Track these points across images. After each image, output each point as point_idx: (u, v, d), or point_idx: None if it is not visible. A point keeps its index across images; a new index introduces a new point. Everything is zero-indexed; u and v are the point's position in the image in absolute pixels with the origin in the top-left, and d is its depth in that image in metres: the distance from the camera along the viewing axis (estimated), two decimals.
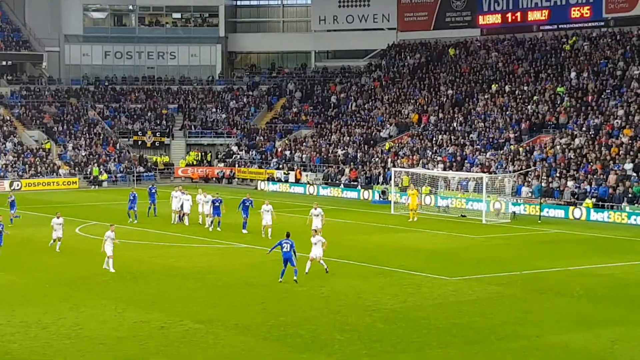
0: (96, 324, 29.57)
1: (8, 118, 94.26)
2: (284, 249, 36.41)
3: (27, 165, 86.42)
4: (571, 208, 61.15)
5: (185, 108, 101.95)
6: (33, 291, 35.10)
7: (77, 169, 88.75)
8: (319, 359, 25.58)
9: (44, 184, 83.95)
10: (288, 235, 36.96)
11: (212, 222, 52.68)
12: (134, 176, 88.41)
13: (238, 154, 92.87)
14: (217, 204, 52.42)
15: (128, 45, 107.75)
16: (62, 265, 40.68)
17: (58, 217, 44.78)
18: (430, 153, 77.11)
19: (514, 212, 61.37)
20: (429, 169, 72.43)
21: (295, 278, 36.29)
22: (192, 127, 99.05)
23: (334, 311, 31.53)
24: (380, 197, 71.45)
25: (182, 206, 55.57)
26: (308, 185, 79.76)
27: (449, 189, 68.53)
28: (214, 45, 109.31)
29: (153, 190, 60.48)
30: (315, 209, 48.42)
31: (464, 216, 61.58)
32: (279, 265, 40.62)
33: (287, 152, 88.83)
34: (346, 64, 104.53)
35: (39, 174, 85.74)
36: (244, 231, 51.02)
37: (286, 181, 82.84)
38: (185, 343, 27.23)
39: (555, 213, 61.51)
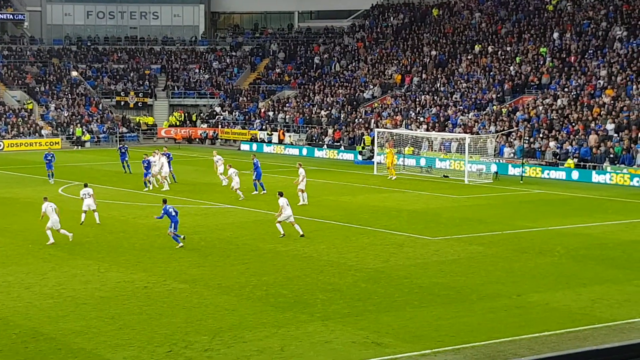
0: (79, 284, 29.64)
1: None
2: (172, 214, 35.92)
3: (9, 126, 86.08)
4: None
5: (168, 69, 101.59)
6: (15, 251, 35.11)
7: (59, 129, 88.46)
8: (302, 319, 25.72)
9: (26, 144, 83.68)
10: (165, 202, 36.82)
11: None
12: (116, 137, 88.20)
13: (221, 114, 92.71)
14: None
15: (110, 5, 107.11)
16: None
17: (86, 187, 42.65)
18: (414, 114, 77.15)
19: (497, 172, 61.50)
20: (412, 129, 72.51)
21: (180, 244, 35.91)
22: (175, 87, 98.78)
23: (316, 271, 31.68)
24: (361, 157, 71.59)
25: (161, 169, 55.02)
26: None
27: (432, 150, 68.69)
28: (197, 5, 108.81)
29: (123, 150, 61.91)
30: (299, 168, 48.51)
31: (447, 177, 61.74)
32: (262, 226, 40.83)
33: (271, 113, 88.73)
34: (329, 25, 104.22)
35: (21, 134, 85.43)
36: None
37: (270, 142, 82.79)
38: (168, 303, 27.33)
39: (557, 175, 61.03)
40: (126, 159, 61.71)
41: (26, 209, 45.71)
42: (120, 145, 62.70)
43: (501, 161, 64.13)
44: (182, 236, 35.95)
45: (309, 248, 35.82)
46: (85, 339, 23.77)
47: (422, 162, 66.24)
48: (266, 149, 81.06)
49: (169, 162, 54.31)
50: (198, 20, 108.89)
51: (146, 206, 47.07)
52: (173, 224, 35.66)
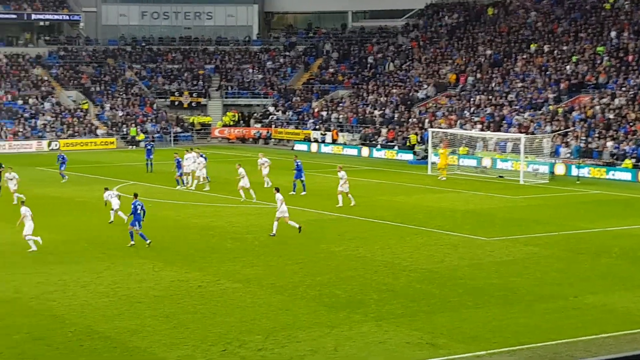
0: (134, 282, 29.76)
1: (46, 78, 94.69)
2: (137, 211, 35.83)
3: (65, 125, 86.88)
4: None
5: (221, 68, 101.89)
6: (72, 250, 35.34)
7: (114, 129, 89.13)
8: (355, 319, 25.59)
9: (81, 144, 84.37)
10: (136, 196, 36.84)
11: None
12: (170, 136, 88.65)
13: (275, 114, 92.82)
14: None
15: (165, 5, 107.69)
16: (100, 225, 40.91)
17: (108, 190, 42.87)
18: (468, 113, 76.66)
19: (552, 173, 60.85)
20: (466, 129, 72.08)
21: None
22: (229, 87, 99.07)
23: (370, 271, 31.52)
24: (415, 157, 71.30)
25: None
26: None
27: (487, 150, 68.19)
28: (251, 5, 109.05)
29: (149, 147, 63.69)
30: (340, 171, 47.77)
31: (502, 177, 61.23)
32: (315, 226, 40.74)
33: (324, 113, 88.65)
34: (383, 24, 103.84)
35: (76, 134, 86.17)
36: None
37: (322, 142, 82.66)
38: (222, 302, 27.34)
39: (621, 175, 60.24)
40: (151, 157, 63.08)
41: (81, 208, 46.05)
42: (147, 142, 63.98)
43: (556, 161, 63.43)
44: (148, 241, 35.53)
45: (363, 248, 35.67)
46: (140, 338, 23.83)
47: (485, 162, 65.41)
48: (324, 148, 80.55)
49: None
50: (252, 20, 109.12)
51: (200, 205, 47.17)
52: (137, 222, 35.52)
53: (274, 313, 26.17)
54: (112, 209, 40.77)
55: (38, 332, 24.32)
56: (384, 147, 77.01)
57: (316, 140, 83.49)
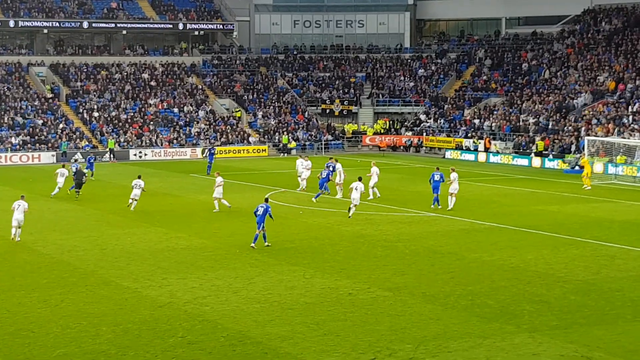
0: (285, 289, 29.85)
1: (200, 87, 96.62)
2: (257, 213, 36.88)
3: (218, 133, 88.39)
4: None
5: (373, 76, 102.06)
6: (224, 256, 35.74)
7: (266, 136, 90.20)
8: (508, 330, 25.07)
9: (234, 152, 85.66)
10: (266, 200, 37.86)
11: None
12: (321, 144, 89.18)
13: (426, 122, 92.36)
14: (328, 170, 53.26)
15: (317, 14, 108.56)
16: (252, 231, 41.27)
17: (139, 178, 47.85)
18: (626, 121, 74.61)
19: None
20: (625, 137, 70.18)
21: (266, 243, 36.90)
22: (380, 95, 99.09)
23: (523, 281, 30.88)
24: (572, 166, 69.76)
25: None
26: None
27: None
28: (403, 13, 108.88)
29: (213, 151, 68.57)
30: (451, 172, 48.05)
31: None
32: (468, 235, 40.30)
33: (476, 121, 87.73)
34: (538, 30, 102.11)
35: (230, 142, 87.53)
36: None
37: (475, 150, 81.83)
38: (372, 310, 27.17)
39: None
40: (212, 161, 67.08)
41: (233, 214, 46.57)
42: (210, 147, 67.58)
43: None
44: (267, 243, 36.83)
45: (515, 258, 35.00)
46: (291, 344, 23.87)
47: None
48: (492, 158, 79.02)
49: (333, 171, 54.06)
50: (403, 27, 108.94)
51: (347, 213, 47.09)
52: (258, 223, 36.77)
53: (424, 322, 25.86)
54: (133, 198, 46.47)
55: (192, 336, 24.62)
56: (538, 155, 75.56)
57: (468, 149, 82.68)
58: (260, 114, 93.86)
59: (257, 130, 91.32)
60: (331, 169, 52.54)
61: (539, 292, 29.45)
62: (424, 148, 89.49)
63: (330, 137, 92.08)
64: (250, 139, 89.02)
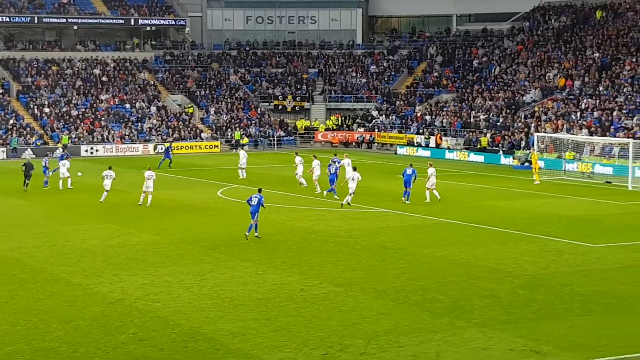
0: (237, 285, 29.89)
1: (153, 83, 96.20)
2: (252, 203, 37.67)
3: (170, 129, 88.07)
4: None
5: (325, 73, 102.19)
6: (175, 252, 35.70)
7: (218, 132, 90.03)
8: (459, 325, 25.29)
9: (187, 148, 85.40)
10: (260, 191, 38.59)
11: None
12: (274, 140, 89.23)
13: (378, 118, 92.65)
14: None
15: (269, 10, 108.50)
16: (203, 227, 41.30)
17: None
18: (575, 118, 75.39)
19: None
20: (573, 133, 70.92)
21: (256, 234, 37.76)
22: (332, 91, 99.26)
23: (473, 277, 31.16)
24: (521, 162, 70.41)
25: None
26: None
27: (593, 155, 66.98)
28: (355, 10, 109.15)
29: (170, 149, 70.54)
30: (429, 167, 49.28)
31: (610, 182, 60.05)
32: (419, 231, 40.52)
33: (428, 117, 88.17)
34: (488, 27, 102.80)
35: (182, 138, 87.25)
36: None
37: (427, 146, 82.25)
38: (324, 306, 27.29)
39: None
40: (169, 157, 68.88)
41: (185, 211, 46.51)
42: (169, 145, 72.65)
43: None
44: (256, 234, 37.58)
45: (466, 254, 35.29)
46: (243, 340, 23.92)
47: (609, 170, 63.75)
48: (448, 154, 79.19)
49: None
50: (355, 24, 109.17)
51: (302, 209, 47.26)
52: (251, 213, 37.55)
53: (375, 317, 26.02)
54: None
55: (143, 333, 24.59)
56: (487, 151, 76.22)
57: (419, 145, 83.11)
58: (212, 110, 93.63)
59: (210, 126, 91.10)
60: (337, 164, 52.51)
61: (489, 287, 29.73)
62: (375, 144, 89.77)
63: (282, 133, 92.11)
64: (203, 135, 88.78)
